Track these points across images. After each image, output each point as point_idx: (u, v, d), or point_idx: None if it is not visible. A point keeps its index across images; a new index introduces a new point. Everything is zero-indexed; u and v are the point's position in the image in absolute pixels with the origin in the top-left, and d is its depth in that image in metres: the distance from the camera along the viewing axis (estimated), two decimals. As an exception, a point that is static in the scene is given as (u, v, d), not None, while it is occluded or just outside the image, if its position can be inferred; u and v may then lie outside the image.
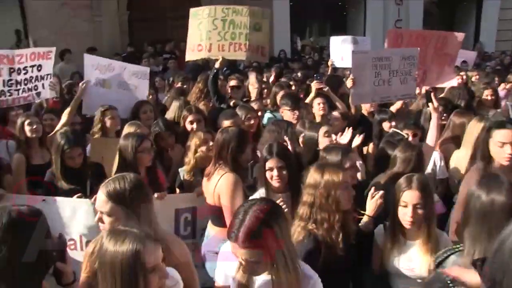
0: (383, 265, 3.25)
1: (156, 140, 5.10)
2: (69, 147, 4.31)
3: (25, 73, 5.98)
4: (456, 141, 5.12)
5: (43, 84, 6.16)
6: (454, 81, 7.04)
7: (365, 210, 3.39)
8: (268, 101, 7.03)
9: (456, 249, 2.46)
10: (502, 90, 8.53)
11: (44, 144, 5.30)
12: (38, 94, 6.19)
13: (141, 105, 5.97)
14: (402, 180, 3.16)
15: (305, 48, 18.14)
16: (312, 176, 3.10)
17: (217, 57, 6.66)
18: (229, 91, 6.88)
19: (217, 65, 6.63)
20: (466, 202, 2.50)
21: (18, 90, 5.97)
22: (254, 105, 6.16)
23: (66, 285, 2.36)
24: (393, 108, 6.29)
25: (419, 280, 3.09)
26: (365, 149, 5.60)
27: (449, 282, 2.12)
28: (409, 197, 3.07)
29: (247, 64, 12.21)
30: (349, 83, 5.81)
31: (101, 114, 5.56)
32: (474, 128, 4.74)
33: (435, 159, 4.98)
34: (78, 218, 4.22)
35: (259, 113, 6.05)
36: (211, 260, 3.72)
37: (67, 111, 5.72)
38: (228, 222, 3.34)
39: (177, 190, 4.77)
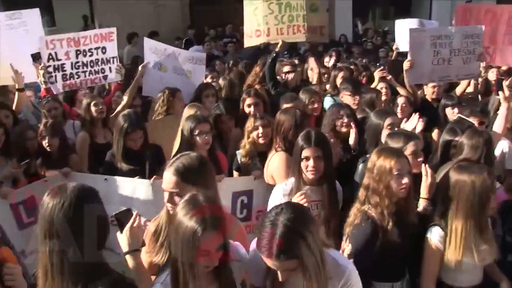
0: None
1: (216, 122, 5.12)
2: (132, 129, 4.41)
3: (90, 55, 6.15)
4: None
5: (110, 68, 6.33)
6: None
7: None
8: (328, 86, 6.92)
9: None
10: None
11: (107, 124, 5.49)
12: (105, 77, 6.36)
13: (204, 88, 6.05)
14: None
15: (367, 32, 17.72)
16: (371, 159, 3.10)
17: (277, 40, 6.62)
18: (283, 77, 6.82)
19: (277, 48, 6.57)
20: None
21: (85, 72, 6.17)
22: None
23: (133, 251, 2.45)
24: (457, 91, 6.02)
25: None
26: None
27: None
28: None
29: (307, 47, 12.06)
30: (405, 65, 5.62)
31: (167, 96, 5.65)
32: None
33: (503, 148, 4.73)
34: (137, 198, 4.34)
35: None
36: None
37: (127, 92, 5.91)
38: None
39: (235, 173, 4.76)
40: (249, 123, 4.58)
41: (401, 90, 6.06)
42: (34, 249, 3.61)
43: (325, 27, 6.79)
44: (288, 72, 6.70)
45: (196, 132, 4.17)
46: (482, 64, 6.33)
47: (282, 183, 3.57)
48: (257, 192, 4.46)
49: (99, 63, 6.25)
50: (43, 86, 6.16)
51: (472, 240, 2.97)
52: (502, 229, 3.55)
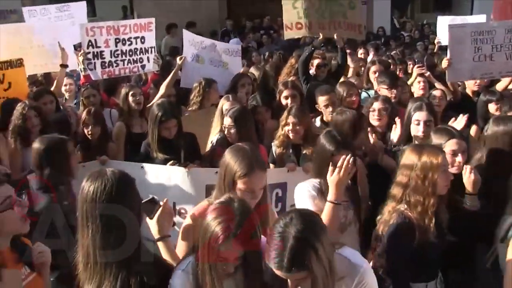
0: None
1: (253, 113, 5.11)
2: (166, 118, 4.42)
3: (129, 44, 6.27)
4: None
5: (148, 58, 6.43)
6: None
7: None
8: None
9: None
10: None
11: (143, 114, 5.53)
12: (143, 66, 6.47)
13: (240, 78, 6.07)
14: None
15: (405, 25, 17.42)
16: (409, 156, 2.97)
17: (317, 34, 6.59)
18: (314, 70, 6.75)
19: (315, 42, 6.56)
20: None
21: (123, 60, 6.29)
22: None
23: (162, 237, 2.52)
24: (499, 87, 5.84)
25: None
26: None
27: None
28: None
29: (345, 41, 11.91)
30: (444, 63, 5.49)
31: (203, 86, 5.69)
32: None
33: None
34: (173, 186, 4.38)
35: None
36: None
37: (165, 84, 5.94)
38: None
39: (271, 166, 4.66)
40: (284, 116, 4.57)
41: (438, 86, 5.93)
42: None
43: (363, 25, 6.74)
44: (319, 65, 6.66)
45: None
46: None
47: (305, 182, 3.44)
48: (291, 186, 4.41)
49: (138, 52, 6.36)
50: (82, 73, 6.30)
51: None
52: None
